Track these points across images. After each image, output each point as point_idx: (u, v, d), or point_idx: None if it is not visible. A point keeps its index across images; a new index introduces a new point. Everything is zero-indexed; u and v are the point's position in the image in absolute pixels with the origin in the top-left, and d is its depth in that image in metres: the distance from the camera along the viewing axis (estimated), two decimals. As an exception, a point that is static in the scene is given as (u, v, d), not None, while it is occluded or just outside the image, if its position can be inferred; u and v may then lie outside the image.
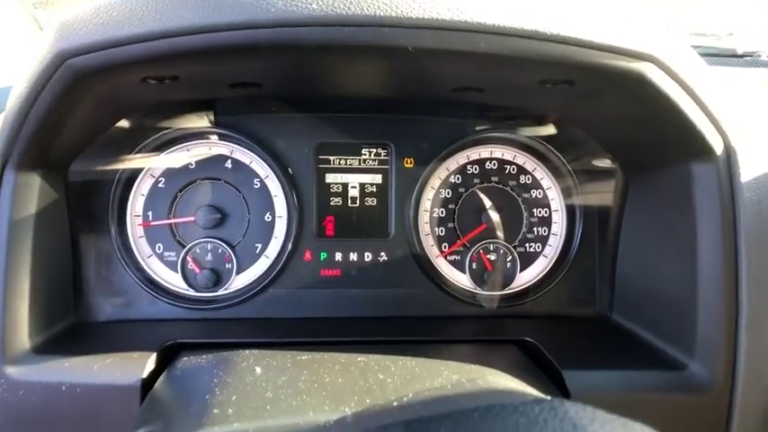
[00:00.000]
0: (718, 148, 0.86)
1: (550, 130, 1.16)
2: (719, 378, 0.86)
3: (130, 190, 1.09)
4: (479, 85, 0.87)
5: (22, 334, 0.85)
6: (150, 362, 0.82)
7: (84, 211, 1.05)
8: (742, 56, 1.78)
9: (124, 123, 1.04)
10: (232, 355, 0.79)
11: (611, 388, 0.87)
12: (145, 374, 0.80)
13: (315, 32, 0.66)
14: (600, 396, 0.86)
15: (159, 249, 1.10)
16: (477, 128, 1.16)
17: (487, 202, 1.15)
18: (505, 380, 0.68)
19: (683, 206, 0.90)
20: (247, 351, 0.81)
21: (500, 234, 1.16)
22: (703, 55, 1.59)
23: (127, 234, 1.09)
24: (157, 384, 0.78)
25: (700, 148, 0.86)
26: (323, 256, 1.12)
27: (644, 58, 0.75)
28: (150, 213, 1.10)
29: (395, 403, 0.50)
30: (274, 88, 0.88)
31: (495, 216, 1.14)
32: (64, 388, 0.80)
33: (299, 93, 1.01)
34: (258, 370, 0.71)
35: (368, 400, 0.57)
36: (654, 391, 0.87)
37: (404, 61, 0.73)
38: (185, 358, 0.83)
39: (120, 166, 1.08)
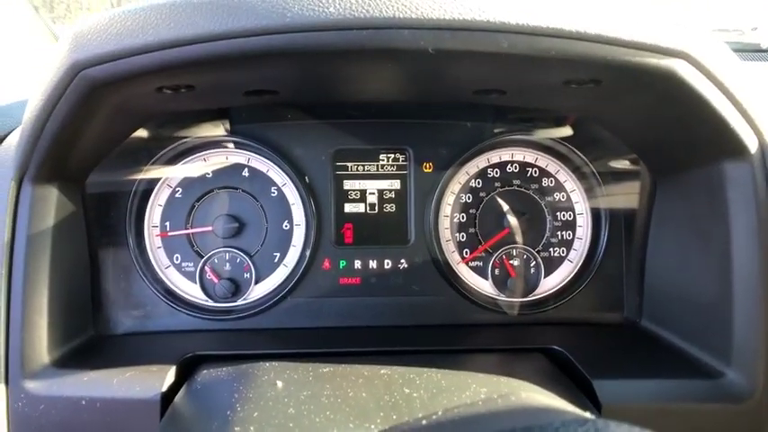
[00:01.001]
0: (752, 146, 0.82)
1: (572, 130, 1.13)
2: (759, 386, 0.82)
3: (148, 201, 1.08)
4: (502, 87, 0.85)
5: (41, 348, 0.84)
6: (170, 375, 0.81)
7: (102, 222, 1.04)
8: (767, 50, 1.73)
9: (140, 134, 1.03)
10: (252, 369, 0.77)
11: (645, 398, 0.83)
12: (164, 388, 0.79)
13: (332, 37, 0.64)
14: (633, 407, 0.83)
15: (177, 260, 1.09)
16: (496, 130, 1.13)
17: (509, 207, 1.12)
18: (537, 394, 0.65)
19: (716, 207, 0.87)
20: (268, 364, 0.79)
21: (523, 239, 1.12)
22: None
23: (145, 245, 1.08)
24: (177, 399, 0.77)
25: (733, 146, 0.82)
26: (342, 264, 1.10)
27: (675, 54, 0.72)
28: (168, 224, 1.09)
29: (424, 421, 0.47)
30: (291, 95, 0.87)
31: (517, 220, 1.11)
32: (84, 402, 0.79)
33: (315, 99, 0.99)
34: (279, 384, 0.69)
35: (394, 417, 0.55)
36: (689, 400, 0.84)
37: (424, 64, 0.71)
38: (205, 371, 0.82)
39: (137, 176, 1.07)
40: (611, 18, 0.69)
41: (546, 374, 0.85)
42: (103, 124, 0.83)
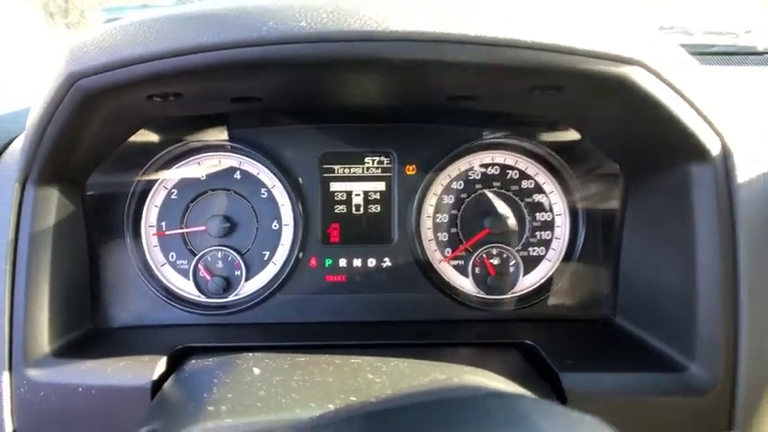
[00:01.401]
0: (714, 149, 0.86)
1: (551, 134, 1.17)
2: (720, 379, 0.85)
3: (145, 202, 1.14)
4: (472, 94, 0.90)
5: (42, 339, 0.90)
6: (160, 365, 0.87)
7: (101, 222, 1.10)
8: (762, 53, 1.75)
9: (138, 138, 1.09)
10: (235, 358, 0.83)
11: (610, 390, 0.87)
12: (155, 377, 0.84)
13: (305, 48, 0.70)
14: (599, 399, 0.86)
15: (172, 258, 1.15)
16: (485, 135, 1.17)
17: (491, 207, 1.17)
18: (492, 380, 0.69)
19: (682, 208, 0.91)
20: (250, 354, 0.85)
21: (503, 238, 1.17)
22: (723, 54, 1.55)
23: (142, 244, 1.14)
24: (165, 385, 0.83)
25: (696, 149, 0.86)
26: (328, 262, 1.16)
27: (630, 62, 0.76)
28: (164, 224, 1.15)
29: (373, 399, 0.52)
30: (275, 102, 0.92)
31: (497, 221, 1.16)
32: (80, 389, 0.85)
33: (298, 105, 1.05)
34: (256, 371, 0.74)
35: (353, 398, 0.60)
36: (654, 393, 0.87)
37: (394, 73, 0.76)
38: (193, 361, 0.87)
39: (135, 179, 1.13)
40: (565, 27, 0.73)
41: (513, 366, 0.89)
42: (99, 130, 0.89)
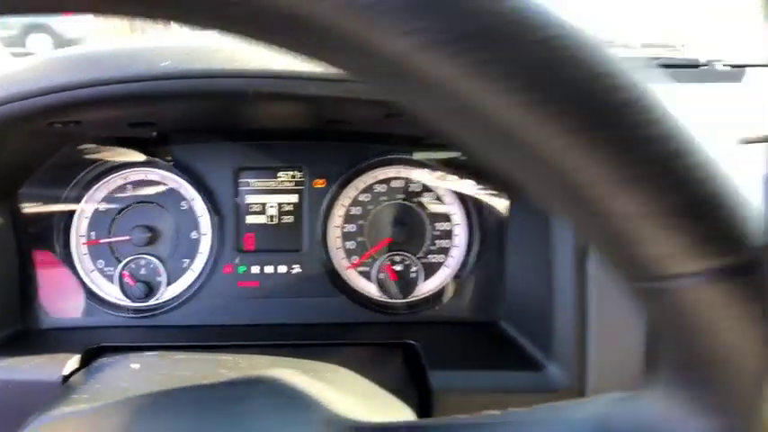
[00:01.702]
0: None
1: (451, 152, 1.26)
2: (572, 379, 0.94)
3: (74, 213, 1.25)
4: (344, 119, 0.99)
5: None
6: (72, 362, 0.97)
7: (33, 232, 1.20)
8: (705, 65, 1.82)
9: (69, 155, 1.19)
10: (128, 356, 0.93)
11: (474, 387, 0.96)
12: (65, 373, 0.95)
13: (168, 84, 0.80)
14: (463, 395, 0.96)
15: (100, 265, 1.25)
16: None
17: (394, 217, 1.26)
18: (318, 373, 0.78)
19: (546, 220, 1.00)
20: (147, 353, 0.95)
21: (405, 246, 1.26)
22: (666, 66, 1.62)
23: (71, 252, 1.24)
24: (71, 380, 0.93)
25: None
26: (241, 269, 1.25)
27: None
28: (93, 233, 1.25)
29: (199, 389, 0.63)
30: (168, 126, 1.03)
31: (400, 230, 1.25)
32: None
33: (190, 127, 1.15)
34: (135, 366, 0.84)
35: (191, 388, 0.69)
36: (515, 390, 0.96)
37: (253, 104, 0.87)
38: (101, 359, 0.98)
39: (65, 192, 1.23)
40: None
41: (390, 364, 0.99)
42: (16, 152, 1.00)
